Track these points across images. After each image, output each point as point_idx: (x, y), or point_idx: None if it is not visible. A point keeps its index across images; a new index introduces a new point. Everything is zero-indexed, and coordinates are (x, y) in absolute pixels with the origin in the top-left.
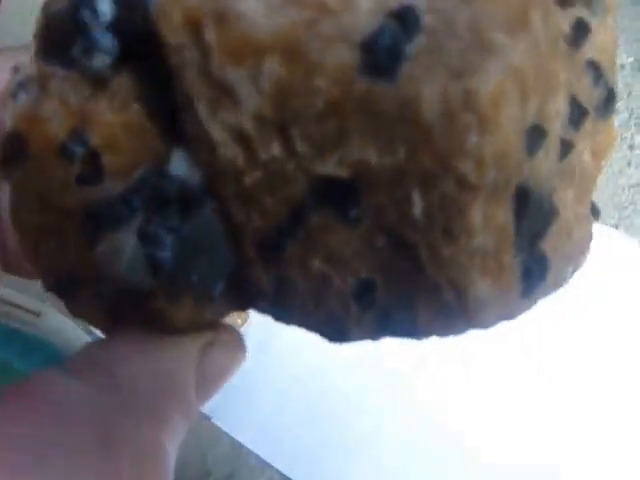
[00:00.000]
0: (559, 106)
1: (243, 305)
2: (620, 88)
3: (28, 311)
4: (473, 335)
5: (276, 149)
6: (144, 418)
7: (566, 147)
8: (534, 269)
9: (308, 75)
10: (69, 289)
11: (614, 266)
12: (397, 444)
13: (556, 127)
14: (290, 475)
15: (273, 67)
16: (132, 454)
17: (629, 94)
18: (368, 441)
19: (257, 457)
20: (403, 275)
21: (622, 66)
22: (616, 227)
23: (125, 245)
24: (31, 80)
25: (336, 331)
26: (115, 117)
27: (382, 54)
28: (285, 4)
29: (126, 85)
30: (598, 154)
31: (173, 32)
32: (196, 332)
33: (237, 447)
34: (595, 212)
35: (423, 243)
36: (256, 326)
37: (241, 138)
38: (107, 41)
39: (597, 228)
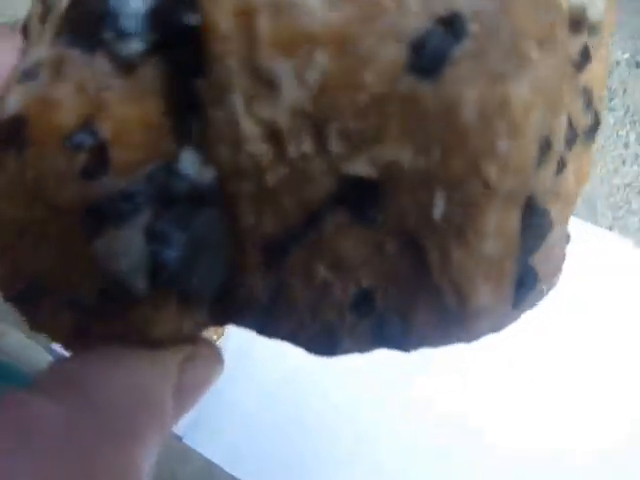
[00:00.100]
0: (563, 123)
1: (224, 318)
2: (615, 85)
3: None
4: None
5: (307, 146)
6: (121, 440)
7: (560, 165)
8: (525, 281)
9: (357, 70)
10: (36, 297)
11: (608, 269)
12: (386, 455)
13: (559, 142)
14: None
15: (323, 60)
16: (109, 478)
17: (624, 91)
18: (351, 454)
19: (229, 476)
20: (406, 282)
21: (617, 63)
22: (610, 228)
23: (129, 242)
24: (43, 64)
25: (327, 342)
26: (130, 109)
27: (429, 55)
28: None
29: (150, 76)
30: (579, 178)
31: (222, 18)
32: (174, 346)
33: (208, 466)
34: (568, 236)
35: (435, 246)
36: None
37: (273, 133)
38: (141, 25)
39: (591, 230)
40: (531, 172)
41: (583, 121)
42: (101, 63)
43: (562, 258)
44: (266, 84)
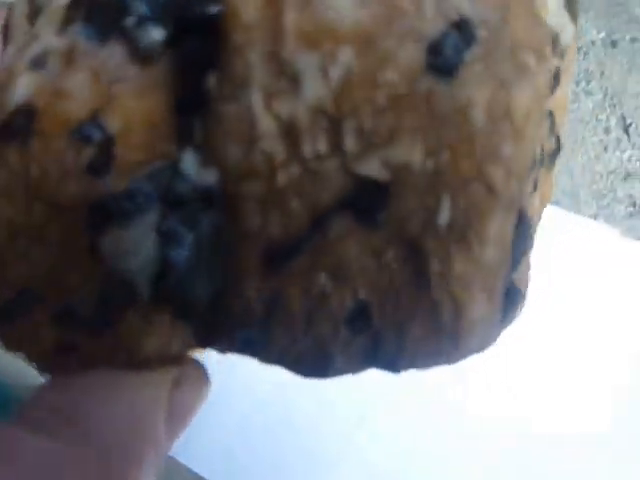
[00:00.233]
0: (545, 137)
1: (211, 337)
2: (592, 67)
3: None
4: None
5: (322, 145)
6: (119, 472)
7: (535, 184)
8: (511, 295)
9: (379, 68)
10: (25, 307)
11: (594, 260)
12: (378, 458)
13: (539, 158)
14: None
15: (347, 57)
16: None
17: (602, 74)
18: (342, 460)
19: None
20: (402, 294)
21: (592, 43)
22: (595, 218)
23: (139, 241)
24: (52, 53)
25: (320, 359)
26: (138, 103)
27: (446, 57)
28: None
29: (163, 69)
30: (543, 202)
31: (246, 7)
32: (162, 366)
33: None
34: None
35: (437, 254)
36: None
37: (290, 131)
38: (162, 13)
39: (574, 220)
40: (526, 180)
41: (548, 144)
42: (117, 52)
43: (529, 274)
44: (288, 79)
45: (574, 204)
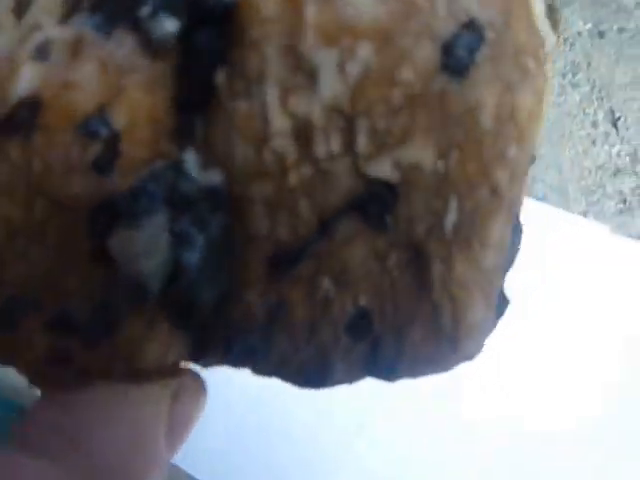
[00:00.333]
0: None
1: (207, 348)
2: (579, 59)
3: None
4: None
5: (336, 144)
6: None
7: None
8: (502, 300)
9: (396, 66)
10: (18, 313)
11: (584, 257)
12: (371, 473)
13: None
14: None
15: (366, 52)
16: None
17: (588, 65)
18: (338, 462)
19: None
20: (404, 299)
21: (579, 34)
22: (584, 215)
23: (152, 242)
24: (55, 44)
25: (320, 367)
26: (144, 97)
27: (458, 56)
28: None
29: (171, 63)
30: None
31: (267, 2)
32: (161, 378)
33: None
34: None
35: (440, 257)
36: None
37: (304, 129)
38: (177, 3)
39: (563, 217)
40: (524, 181)
41: None
42: (127, 43)
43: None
44: (305, 74)
45: (563, 201)
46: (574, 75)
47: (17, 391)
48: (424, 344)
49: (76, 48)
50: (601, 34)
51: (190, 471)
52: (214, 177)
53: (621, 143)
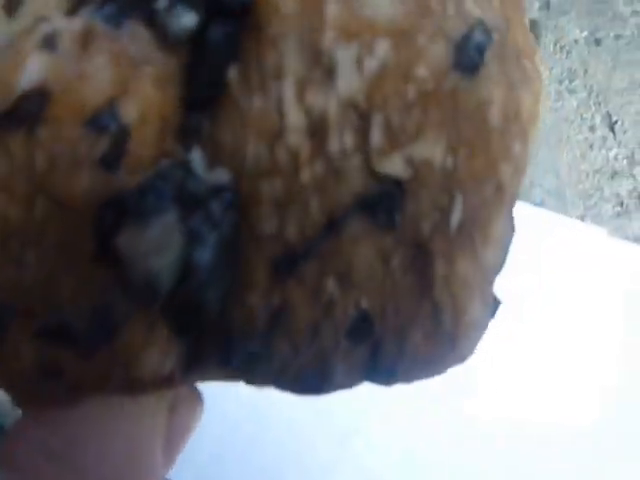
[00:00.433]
0: None
1: (201, 359)
2: (576, 66)
3: None
4: None
5: (349, 140)
6: None
7: None
8: (494, 301)
9: (411, 63)
10: (6, 321)
11: (582, 261)
12: (372, 465)
13: None
14: None
15: (384, 49)
16: None
17: (585, 72)
18: (335, 464)
19: None
20: (405, 299)
21: (575, 42)
22: (582, 218)
23: (163, 240)
24: (62, 35)
25: (319, 374)
26: (156, 93)
27: (469, 55)
28: None
29: (184, 59)
30: None
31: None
32: (157, 389)
33: None
34: None
35: (443, 255)
36: None
37: (319, 125)
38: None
39: (561, 221)
40: (523, 180)
41: None
42: (141, 37)
43: None
44: (324, 70)
45: (561, 205)
46: (571, 82)
47: None
48: (424, 344)
49: (86, 40)
50: (597, 41)
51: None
52: (221, 176)
53: (618, 146)
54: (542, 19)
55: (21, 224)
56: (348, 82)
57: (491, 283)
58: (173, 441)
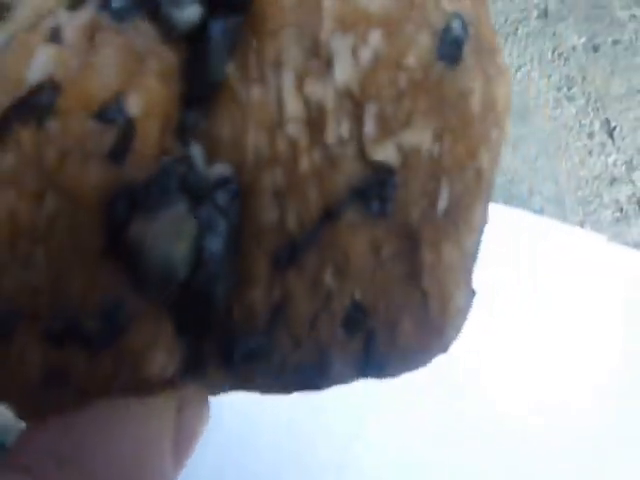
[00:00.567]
0: None
1: (201, 363)
2: (574, 73)
3: None
4: None
5: (345, 129)
6: None
7: None
8: (472, 290)
9: (401, 53)
10: (12, 324)
11: (582, 268)
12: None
13: None
14: None
15: (376, 39)
16: None
17: (583, 79)
18: (336, 467)
19: None
20: (396, 290)
21: (574, 48)
22: (581, 224)
23: (174, 230)
24: (67, 29)
25: (318, 366)
26: (161, 86)
27: (452, 44)
28: None
29: (186, 54)
30: None
31: None
32: (163, 391)
33: None
34: None
35: (430, 242)
36: None
37: (316, 114)
38: None
39: (560, 228)
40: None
41: None
42: (145, 30)
43: None
44: (322, 60)
45: (560, 212)
46: (569, 89)
47: None
48: (414, 333)
49: (92, 33)
50: (595, 47)
51: None
52: (222, 170)
53: (617, 152)
54: (540, 27)
55: (30, 221)
56: (345, 72)
57: (471, 271)
58: (182, 444)
